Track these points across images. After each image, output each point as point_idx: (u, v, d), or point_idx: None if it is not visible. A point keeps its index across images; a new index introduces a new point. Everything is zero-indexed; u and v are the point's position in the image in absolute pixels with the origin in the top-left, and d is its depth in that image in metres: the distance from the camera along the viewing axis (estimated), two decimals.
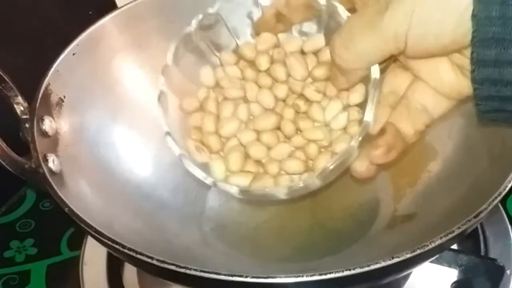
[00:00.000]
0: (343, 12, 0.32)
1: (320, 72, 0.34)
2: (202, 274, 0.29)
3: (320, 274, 0.28)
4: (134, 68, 0.45)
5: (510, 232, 0.46)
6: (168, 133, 0.34)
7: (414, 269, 0.41)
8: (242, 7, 0.37)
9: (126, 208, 0.40)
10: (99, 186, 0.39)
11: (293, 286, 0.29)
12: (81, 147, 0.40)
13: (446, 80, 0.30)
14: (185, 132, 0.35)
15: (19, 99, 0.38)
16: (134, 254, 0.30)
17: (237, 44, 0.38)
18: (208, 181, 0.33)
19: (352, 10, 0.32)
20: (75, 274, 0.45)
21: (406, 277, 0.43)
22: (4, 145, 0.36)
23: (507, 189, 0.32)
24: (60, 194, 0.33)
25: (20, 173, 0.37)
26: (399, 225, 0.40)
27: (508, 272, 0.42)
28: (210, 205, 0.44)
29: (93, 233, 0.32)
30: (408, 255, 0.29)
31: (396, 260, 0.29)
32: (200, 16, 0.36)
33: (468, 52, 0.26)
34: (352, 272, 0.28)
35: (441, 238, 0.29)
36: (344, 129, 0.33)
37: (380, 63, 0.31)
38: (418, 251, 0.29)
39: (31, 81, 0.39)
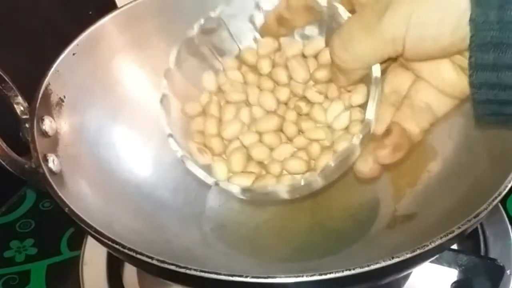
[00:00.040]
0: (343, 12, 0.32)
1: (322, 74, 0.34)
2: (202, 274, 0.29)
3: (320, 274, 0.28)
4: (134, 68, 0.45)
5: (510, 232, 0.46)
6: (170, 135, 0.34)
7: (414, 269, 0.41)
8: (243, 12, 0.37)
9: (126, 208, 0.40)
10: (99, 186, 0.39)
11: (293, 286, 0.29)
12: (81, 147, 0.40)
13: (448, 80, 0.30)
14: (187, 134, 0.35)
15: (19, 99, 0.38)
16: (134, 254, 0.30)
17: (239, 49, 0.38)
18: (210, 181, 0.33)
19: (352, 11, 0.32)
20: (75, 274, 0.45)
21: (406, 277, 0.43)
22: (4, 145, 0.36)
23: (507, 189, 0.32)
24: (60, 194, 0.33)
25: (20, 173, 0.37)
26: (399, 225, 0.40)
27: (508, 272, 0.42)
28: (210, 205, 0.44)
29: (93, 233, 0.32)
30: (408, 255, 0.29)
31: (396, 260, 0.29)
32: (202, 20, 0.36)
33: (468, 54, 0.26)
34: (352, 272, 0.28)
35: (441, 238, 0.29)
36: (346, 129, 0.33)
37: (380, 63, 0.31)
38: (418, 251, 0.29)
39: (31, 81, 0.39)
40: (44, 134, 0.38)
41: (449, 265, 0.41)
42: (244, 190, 0.33)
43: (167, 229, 0.41)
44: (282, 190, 0.32)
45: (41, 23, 0.55)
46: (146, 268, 0.33)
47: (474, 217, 0.31)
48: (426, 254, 0.30)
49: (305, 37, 0.36)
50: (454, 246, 0.42)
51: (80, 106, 0.42)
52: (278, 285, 0.29)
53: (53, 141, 0.38)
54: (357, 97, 0.33)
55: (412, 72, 0.31)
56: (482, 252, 0.45)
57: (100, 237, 0.32)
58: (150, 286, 0.45)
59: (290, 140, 0.35)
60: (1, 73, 0.38)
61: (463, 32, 0.25)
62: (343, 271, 0.28)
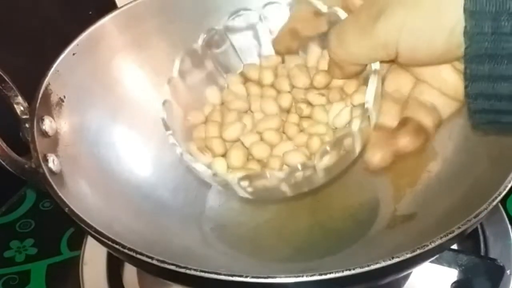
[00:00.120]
0: (343, 16, 0.32)
1: (322, 78, 0.34)
2: (202, 274, 0.29)
3: (320, 274, 0.28)
4: (134, 68, 0.45)
5: (510, 232, 0.46)
6: (170, 133, 0.33)
7: (414, 269, 0.41)
8: (247, 26, 0.37)
9: (126, 208, 0.40)
10: (99, 186, 0.39)
11: (293, 286, 0.29)
12: (81, 147, 0.40)
13: (451, 82, 0.30)
14: (187, 138, 0.35)
15: (19, 99, 0.38)
16: (134, 254, 0.30)
17: (244, 66, 0.38)
18: (208, 174, 0.33)
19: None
20: (75, 274, 0.45)
21: (406, 277, 0.43)
22: (4, 145, 0.36)
23: (507, 189, 0.32)
24: (60, 194, 0.33)
25: (20, 173, 0.37)
26: (399, 225, 0.40)
27: (508, 272, 0.42)
28: (210, 205, 0.44)
29: (93, 233, 0.32)
30: (408, 255, 0.29)
31: (396, 260, 0.29)
32: (206, 33, 0.36)
33: None
34: (352, 272, 0.28)
35: (441, 238, 0.29)
36: (348, 126, 0.33)
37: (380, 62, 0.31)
38: (418, 251, 0.29)
39: (31, 81, 0.39)
40: (44, 134, 0.38)
41: (449, 265, 0.41)
42: (243, 184, 0.33)
43: (167, 229, 0.41)
44: (280, 177, 0.32)
45: (41, 23, 0.55)
46: (146, 268, 0.33)
47: (474, 217, 0.31)
48: (426, 254, 0.30)
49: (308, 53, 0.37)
50: (454, 246, 0.42)
51: (80, 106, 0.41)
52: (278, 285, 0.29)
53: (53, 141, 0.38)
54: (359, 96, 0.33)
55: (413, 75, 0.32)
56: (482, 252, 0.45)
57: (100, 237, 0.32)
58: (150, 286, 0.45)
59: (290, 139, 0.35)
60: (1, 73, 0.37)
61: (457, 41, 0.25)
62: (343, 271, 0.28)
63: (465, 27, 0.25)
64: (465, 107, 0.28)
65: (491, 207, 0.31)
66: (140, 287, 0.45)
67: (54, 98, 0.40)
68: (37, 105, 0.38)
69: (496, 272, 0.41)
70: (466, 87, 0.26)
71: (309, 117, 0.34)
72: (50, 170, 0.36)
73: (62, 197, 0.33)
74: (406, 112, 0.31)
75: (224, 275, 0.29)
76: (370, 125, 0.31)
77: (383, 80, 0.32)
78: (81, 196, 0.37)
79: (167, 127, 0.33)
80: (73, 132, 0.40)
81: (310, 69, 0.36)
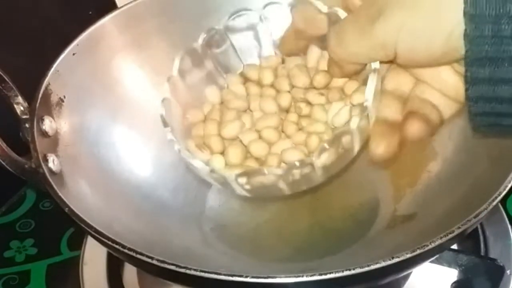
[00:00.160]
0: (343, 15, 0.32)
1: (322, 79, 0.34)
2: (202, 274, 0.29)
3: (320, 274, 0.28)
4: (134, 68, 0.45)
5: (510, 232, 0.46)
6: (168, 129, 0.33)
7: (414, 269, 0.41)
8: (248, 26, 0.37)
9: (126, 208, 0.40)
10: (99, 186, 0.39)
11: (293, 286, 0.29)
12: (81, 147, 0.40)
13: (451, 84, 0.30)
14: (186, 136, 0.35)
15: (19, 99, 0.38)
16: (134, 254, 0.30)
17: (243, 66, 0.38)
18: (206, 170, 0.32)
19: None
20: (75, 274, 0.45)
21: (406, 277, 0.43)
22: (4, 145, 0.36)
23: (507, 189, 0.32)
24: (60, 194, 0.34)
25: (20, 173, 0.37)
26: (399, 225, 0.40)
27: (508, 272, 0.42)
28: (210, 205, 0.44)
29: (93, 233, 0.32)
30: (408, 255, 0.29)
31: (396, 260, 0.29)
32: (207, 32, 0.36)
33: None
34: (352, 272, 0.28)
35: (441, 238, 0.29)
36: (347, 124, 0.33)
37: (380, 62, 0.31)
38: (418, 251, 0.29)
39: (31, 81, 0.39)
40: (44, 134, 0.38)
41: (449, 265, 0.41)
42: (241, 181, 0.32)
43: (167, 229, 0.41)
44: (278, 174, 0.32)
45: (41, 23, 0.55)
46: (146, 268, 0.33)
47: (474, 217, 0.31)
48: (426, 254, 0.30)
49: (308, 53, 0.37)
50: (454, 246, 0.42)
51: (80, 106, 0.41)
52: (278, 285, 0.29)
53: (53, 141, 0.38)
54: (358, 96, 0.33)
55: (413, 76, 0.31)
56: (482, 252, 0.45)
57: (100, 237, 0.32)
58: (150, 286, 0.45)
59: (289, 137, 0.35)
60: (1, 73, 0.38)
61: (455, 43, 0.25)
62: (343, 271, 0.28)
63: (465, 30, 0.25)
64: (465, 108, 0.29)
65: (491, 207, 0.31)
66: (140, 287, 0.45)
67: (54, 98, 0.40)
68: (37, 105, 0.38)
69: (496, 272, 0.41)
70: (466, 90, 0.26)
71: (308, 116, 0.34)
72: (50, 170, 0.36)
73: (62, 197, 0.33)
74: (411, 107, 0.31)
75: (224, 275, 0.29)
76: (369, 124, 0.31)
77: (382, 79, 0.32)
78: (81, 196, 0.37)
79: (165, 124, 0.33)
80: (73, 132, 0.40)
81: (310, 70, 0.36)
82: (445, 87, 0.30)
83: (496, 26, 0.24)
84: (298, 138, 0.34)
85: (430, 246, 0.29)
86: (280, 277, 0.28)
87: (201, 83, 0.37)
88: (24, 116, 0.38)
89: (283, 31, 0.36)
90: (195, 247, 0.40)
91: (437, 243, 0.29)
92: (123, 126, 0.44)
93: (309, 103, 0.34)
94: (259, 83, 0.37)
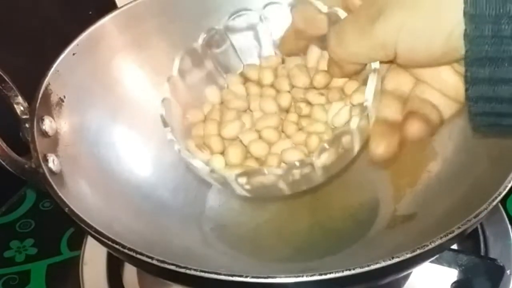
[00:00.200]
0: (343, 15, 0.32)
1: (322, 79, 0.34)
2: (202, 274, 0.29)
3: (320, 274, 0.28)
4: (134, 68, 0.45)
5: (510, 232, 0.46)
6: (168, 129, 0.33)
7: (414, 269, 0.41)
8: (248, 26, 0.37)
9: (126, 208, 0.40)
10: (99, 186, 0.39)
11: (293, 286, 0.29)
12: (81, 147, 0.40)
13: (451, 83, 0.30)
14: (186, 136, 0.35)
15: (19, 99, 0.38)
16: (134, 254, 0.30)
17: (243, 66, 0.38)
18: (206, 170, 0.32)
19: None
20: (75, 274, 0.45)
21: (406, 277, 0.43)
22: (4, 145, 0.36)
23: (507, 189, 0.32)
24: (60, 194, 0.34)
25: (20, 173, 0.37)
26: (399, 225, 0.40)
27: (508, 272, 0.42)
28: (210, 205, 0.44)
29: (93, 233, 0.32)
30: (408, 255, 0.29)
31: (396, 260, 0.29)
32: (207, 32, 0.36)
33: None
34: (352, 272, 0.28)
35: (441, 238, 0.29)
36: (346, 124, 0.33)
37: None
38: (418, 251, 0.29)
39: (31, 81, 0.39)
40: (44, 134, 0.38)
41: (449, 265, 0.41)
42: (241, 181, 0.32)
43: (167, 229, 0.41)
44: (278, 174, 0.32)
45: (41, 23, 0.55)
46: (146, 268, 0.33)
47: (474, 217, 0.31)
48: (426, 254, 0.30)
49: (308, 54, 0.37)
50: (454, 246, 0.42)
51: (80, 106, 0.41)
52: (278, 285, 0.29)
53: (53, 141, 0.38)
54: (358, 96, 0.33)
55: (413, 76, 0.31)
56: (482, 252, 0.45)
57: (100, 237, 0.32)
58: (150, 286, 0.45)
59: (289, 137, 0.35)
60: (1, 73, 0.38)
61: (455, 43, 0.25)
62: (343, 271, 0.28)
63: (465, 30, 0.25)
64: (465, 108, 0.29)
65: (491, 207, 0.31)
66: (140, 287, 0.45)
67: (54, 98, 0.40)
68: (37, 105, 0.38)
69: (496, 272, 0.41)
70: (466, 90, 0.26)
71: (308, 116, 0.34)
72: (50, 170, 0.36)
73: (62, 197, 0.33)
74: (411, 107, 0.31)
75: (224, 275, 0.29)
76: (369, 124, 0.31)
77: (382, 79, 0.32)
78: (81, 196, 0.37)
79: (165, 123, 0.33)
80: (73, 132, 0.40)
81: (310, 70, 0.36)
82: (445, 87, 0.30)
83: (496, 26, 0.24)
84: (298, 138, 0.34)
85: (430, 246, 0.29)
86: (280, 277, 0.28)
87: (201, 83, 0.37)
88: (24, 116, 0.38)
89: (283, 31, 0.36)
90: (195, 247, 0.40)
91: (437, 243, 0.29)
92: (123, 126, 0.44)
93: (309, 103, 0.34)
94: (259, 83, 0.37)
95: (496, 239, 0.45)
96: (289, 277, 0.28)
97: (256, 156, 0.34)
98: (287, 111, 0.35)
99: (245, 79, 0.37)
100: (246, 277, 0.28)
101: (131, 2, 0.45)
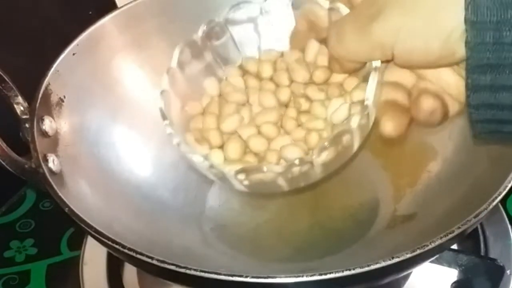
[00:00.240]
0: (345, 10, 0.32)
1: (322, 74, 0.34)
2: (202, 274, 0.29)
3: (320, 274, 0.28)
4: (134, 68, 0.45)
5: (510, 232, 0.46)
6: (167, 123, 0.33)
7: (414, 269, 0.41)
8: (248, 19, 0.37)
9: (126, 208, 0.40)
10: (99, 186, 0.39)
11: (293, 286, 0.29)
12: (81, 147, 0.40)
13: (452, 83, 0.30)
14: (185, 129, 0.35)
15: (19, 99, 0.38)
16: (134, 254, 0.30)
17: (243, 59, 0.38)
18: (205, 165, 0.32)
19: None
20: (75, 274, 0.45)
21: (406, 277, 0.43)
22: (4, 145, 0.36)
23: (507, 189, 0.32)
24: (60, 194, 0.34)
25: (20, 173, 0.37)
26: (399, 225, 0.40)
27: (508, 272, 0.42)
28: (210, 205, 0.44)
29: (93, 233, 0.32)
30: (408, 255, 0.29)
31: (396, 260, 0.29)
32: (206, 24, 0.36)
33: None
34: (352, 272, 0.28)
35: (441, 238, 0.29)
36: (346, 121, 0.33)
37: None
38: (418, 251, 0.29)
39: (31, 81, 0.39)
40: (44, 134, 0.38)
41: (449, 265, 0.41)
42: (240, 177, 0.32)
43: (167, 229, 0.41)
44: (277, 171, 0.32)
45: (41, 23, 0.55)
46: (146, 268, 0.33)
47: (474, 217, 0.31)
48: (426, 254, 0.30)
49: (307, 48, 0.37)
50: (454, 246, 0.42)
51: (80, 106, 0.42)
52: (278, 285, 0.29)
53: (53, 141, 0.38)
54: (358, 93, 0.33)
55: (415, 74, 0.31)
56: (482, 252, 0.45)
57: (100, 237, 0.32)
58: (150, 286, 0.45)
59: (288, 133, 0.34)
60: (1, 73, 0.38)
61: (453, 47, 0.26)
62: (343, 271, 0.28)
63: (467, 37, 0.25)
64: (466, 109, 0.28)
65: (491, 207, 0.31)
66: (140, 287, 0.45)
67: (54, 98, 0.40)
68: (37, 105, 0.38)
69: (496, 272, 0.41)
70: (468, 97, 0.26)
71: (307, 111, 0.34)
72: (50, 170, 0.36)
73: (62, 197, 0.33)
74: (424, 86, 0.30)
75: (224, 275, 0.29)
76: (369, 122, 0.31)
77: (383, 74, 0.32)
78: (81, 196, 0.37)
79: (164, 117, 0.33)
80: (73, 132, 0.40)
81: (309, 64, 0.35)
82: (447, 86, 0.30)
83: (497, 33, 0.24)
84: (298, 134, 0.34)
85: (430, 246, 0.29)
86: (280, 277, 0.28)
87: (200, 75, 0.37)
88: (24, 116, 0.38)
89: (285, 25, 0.36)
90: (195, 247, 0.40)
91: (437, 243, 0.29)
92: (123, 126, 0.44)
93: (308, 98, 0.34)
94: (258, 76, 0.36)
95: (496, 239, 0.45)
96: (289, 277, 0.28)
97: (255, 152, 0.34)
98: (286, 105, 0.35)
99: (244, 72, 0.37)
100: (246, 277, 0.28)
101: (131, 2, 0.45)
